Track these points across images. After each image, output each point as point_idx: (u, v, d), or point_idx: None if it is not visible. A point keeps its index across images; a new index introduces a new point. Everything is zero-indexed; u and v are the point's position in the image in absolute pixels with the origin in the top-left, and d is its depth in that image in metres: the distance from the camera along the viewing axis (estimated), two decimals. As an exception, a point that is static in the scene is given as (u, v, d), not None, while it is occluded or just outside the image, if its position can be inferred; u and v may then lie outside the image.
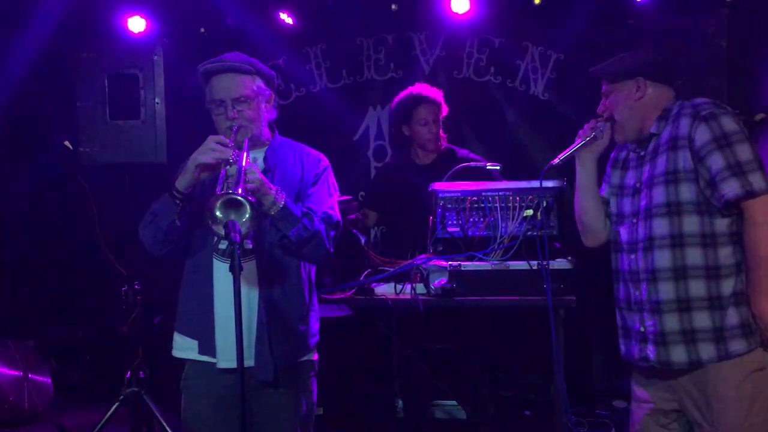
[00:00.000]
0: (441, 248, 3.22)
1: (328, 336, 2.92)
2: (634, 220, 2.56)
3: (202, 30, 5.33)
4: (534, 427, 4.78)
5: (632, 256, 2.55)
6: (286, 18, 5.25)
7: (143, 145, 3.70)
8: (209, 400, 2.66)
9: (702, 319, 2.40)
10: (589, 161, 2.69)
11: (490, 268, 3.13)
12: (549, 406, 4.81)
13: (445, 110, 4.18)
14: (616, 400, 4.87)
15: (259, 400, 2.65)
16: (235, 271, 2.19)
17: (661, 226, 2.45)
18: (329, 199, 2.76)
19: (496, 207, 3.18)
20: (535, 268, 3.07)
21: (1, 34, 5.02)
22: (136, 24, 5.01)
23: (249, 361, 2.57)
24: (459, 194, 3.23)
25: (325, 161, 2.82)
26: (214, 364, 2.62)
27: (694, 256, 2.41)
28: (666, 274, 2.44)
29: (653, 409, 2.56)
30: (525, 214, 3.16)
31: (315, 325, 2.79)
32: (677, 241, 2.43)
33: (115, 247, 3.92)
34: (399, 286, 3.21)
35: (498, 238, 3.15)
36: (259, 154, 2.72)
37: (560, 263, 3.10)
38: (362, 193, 5.43)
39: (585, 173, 2.70)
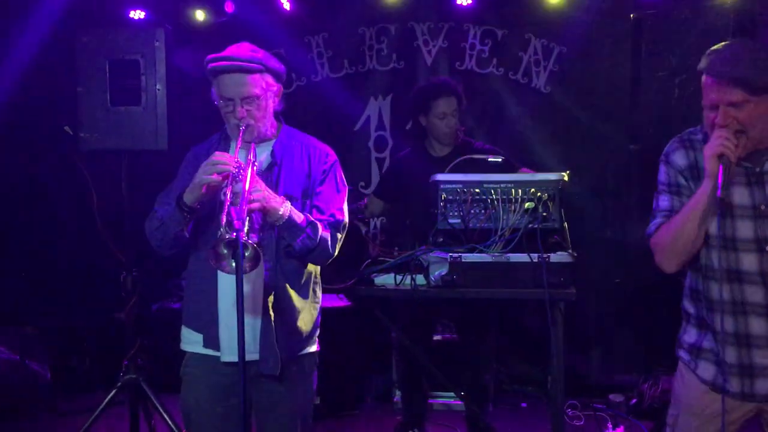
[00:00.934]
0: (442, 239, 3.21)
1: (327, 326, 2.93)
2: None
3: (204, 18, 5.32)
4: (531, 418, 4.80)
5: (752, 287, 2.34)
6: (286, 4, 5.23)
7: (144, 131, 3.67)
8: (208, 389, 2.66)
9: None
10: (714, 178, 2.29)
11: (490, 260, 3.12)
12: (546, 399, 4.84)
13: (463, 103, 4.16)
14: (613, 394, 4.88)
15: (259, 391, 2.66)
16: (239, 266, 2.21)
17: None
18: (337, 197, 2.74)
19: (498, 199, 3.17)
20: (535, 260, 3.07)
21: (2, 18, 5.00)
22: (137, 12, 5.05)
23: (254, 355, 2.57)
24: (461, 185, 3.21)
25: (333, 156, 2.80)
26: (218, 357, 2.63)
27: None
28: None
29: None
30: (526, 207, 3.15)
31: (318, 318, 2.80)
32: None
33: (114, 235, 3.91)
34: (399, 277, 3.21)
35: (499, 230, 3.15)
36: (266, 148, 2.71)
37: (561, 256, 3.10)
38: (362, 183, 5.45)
39: (713, 192, 2.26)
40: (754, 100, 2.24)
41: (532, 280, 3.08)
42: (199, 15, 5.34)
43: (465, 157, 3.64)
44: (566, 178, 3.21)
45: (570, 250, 3.12)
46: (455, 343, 4.70)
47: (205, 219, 2.61)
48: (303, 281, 2.71)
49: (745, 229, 2.34)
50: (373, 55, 5.48)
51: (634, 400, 4.78)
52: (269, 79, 2.66)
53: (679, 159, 2.46)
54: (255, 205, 2.41)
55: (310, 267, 2.74)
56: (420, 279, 3.20)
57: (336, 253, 2.69)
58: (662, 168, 2.52)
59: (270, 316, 2.60)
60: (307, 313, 2.72)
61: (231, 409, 2.58)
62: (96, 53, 3.71)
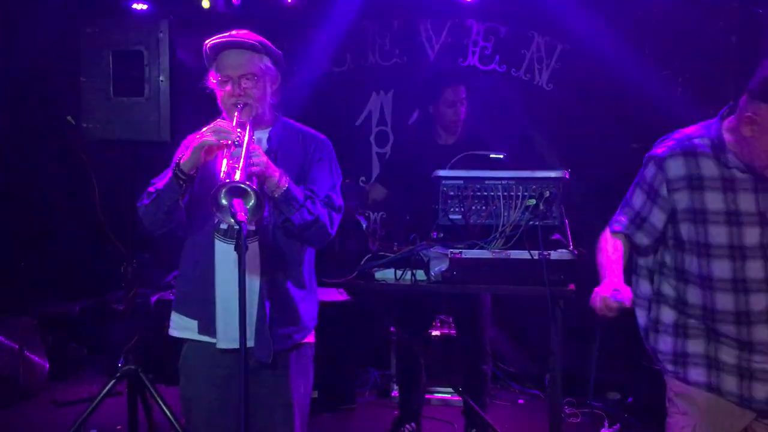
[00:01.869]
0: (442, 235, 3.22)
1: (326, 320, 2.92)
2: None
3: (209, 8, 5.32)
4: (528, 415, 4.81)
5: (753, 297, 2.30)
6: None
7: (147, 122, 3.66)
8: (208, 381, 2.66)
9: None
10: None
11: (490, 256, 3.12)
12: (543, 395, 4.85)
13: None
14: (611, 392, 4.88)
15: (257, 382, 2.65)
16: (241, 250, 2.20)
17: None
18: (331, 181, 2.75)
19: (499, 195, 3.17)
20: (535, 257, 3.07)
21: (8, 10, 4.99)
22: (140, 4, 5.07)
23: (249, 342, 2.57)
24: (462, 182, 3.21)
25: (328, 144, 2.81)
26: (214, 344, 2.62)
27: None
28: None
29: None
30: (527, 203, 3.15)
31: (314, 309, 2.79)
32: None
33: (114, 225, 3.91)
34: (399, 272, 3.21)
35: (500, 226, 3.15)
36: (262, 135, 2.72)
37: (561, 254, 3.10)
38: (363, 178, 5.45)
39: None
40: None
41: (532, 277, 3.08)
42: (205, 3, 5.32)
43: (466, 153, 3.64)
44: (567, 176, 3.21)
45: (570, 248, 3.12)
46: (453, 338, 4.71)
47: (200, 201, 2.60)
48: (299, 270, 2.71)
49: (752, 235, 2.28)
50: (376, 50, 5.48)
51: (631, 399, 4.79)
52: (268, 62, 2.67)
53: (676, 168, 2.39)
54: (255, 169, 2.41)
55: (307, 257, 2.74)
56: (420, 274, 3.20)
57: (334, 233, 2.69)
58: (651, 168, 2.47)
59: (264, 303, 2.59)
60: (302, 302, 2.72)
61: (230, 400, 2.58)
62: (99, 44, 3.70)
